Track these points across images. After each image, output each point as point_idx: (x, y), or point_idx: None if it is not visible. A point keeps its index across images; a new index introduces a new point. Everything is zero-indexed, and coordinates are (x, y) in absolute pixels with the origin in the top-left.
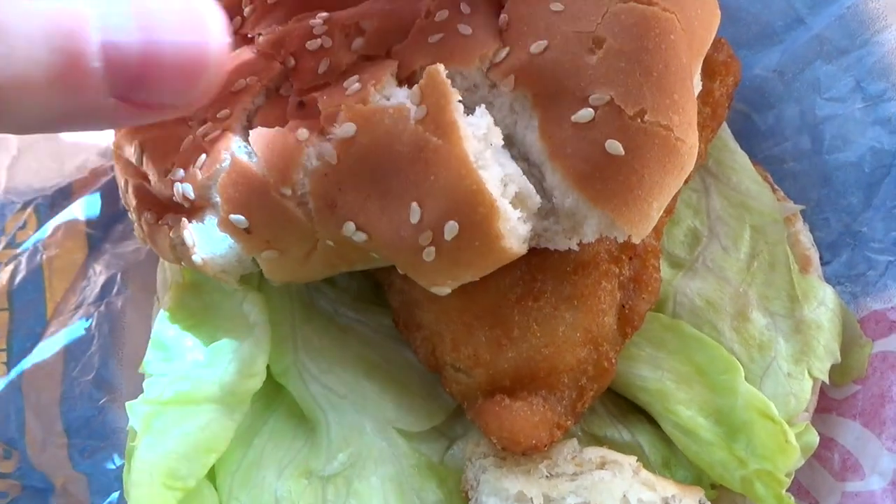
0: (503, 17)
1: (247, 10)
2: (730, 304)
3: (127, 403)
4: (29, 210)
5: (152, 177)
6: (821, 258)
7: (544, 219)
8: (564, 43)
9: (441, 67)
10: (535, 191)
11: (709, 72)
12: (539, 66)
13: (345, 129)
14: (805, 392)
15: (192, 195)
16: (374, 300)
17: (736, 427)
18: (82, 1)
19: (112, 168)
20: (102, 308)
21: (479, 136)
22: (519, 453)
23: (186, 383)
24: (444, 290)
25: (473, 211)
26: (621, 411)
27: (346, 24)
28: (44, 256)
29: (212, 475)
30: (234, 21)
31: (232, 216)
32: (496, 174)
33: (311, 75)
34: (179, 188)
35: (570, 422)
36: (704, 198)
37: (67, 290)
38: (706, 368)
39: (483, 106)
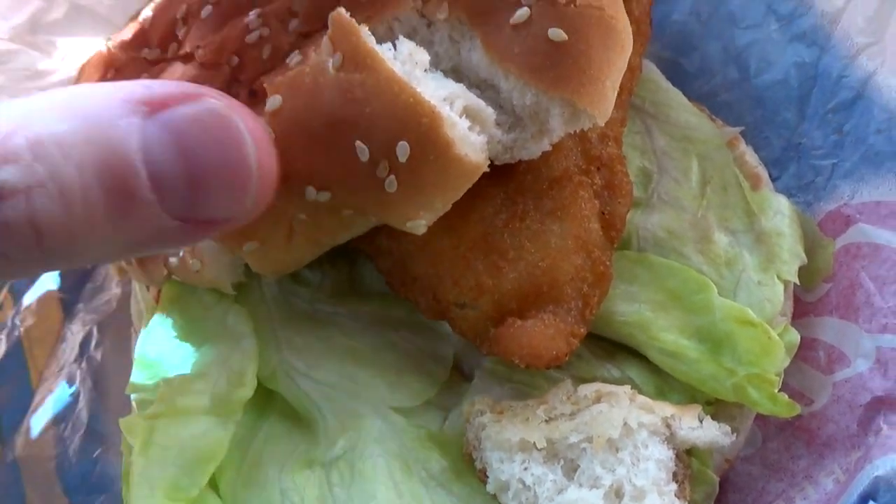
0: None
1: (181, 32)
2: (691, 230)
3: (121, 420)
4: (4, 291)
5: None
6: (770, 175)
7: (511, 131)
8: None
9: (342, 10)
10: (485, 104)
11: None
12: None
13: (272, 102)
14: (778, 295)
15: None
16: (349, 291)
17: (718, 340)
18: (120, 132)
19: None
20: (84, 364)
21: (402, 58)
22: (543, 368)
23: (177, 396)
24: (420, 225)
25: (417, 123)
26: (607, 352)
27: (278, 11)
28: (22, 329)
29: (213, 483)
30: (172, 47)
31: None
32: (432, 89)
33: (256, 64)
34: None
35: (583, 329)
36: (648, 138)
37: (48, 356)
38: (680, 292)
39: (401, 36)
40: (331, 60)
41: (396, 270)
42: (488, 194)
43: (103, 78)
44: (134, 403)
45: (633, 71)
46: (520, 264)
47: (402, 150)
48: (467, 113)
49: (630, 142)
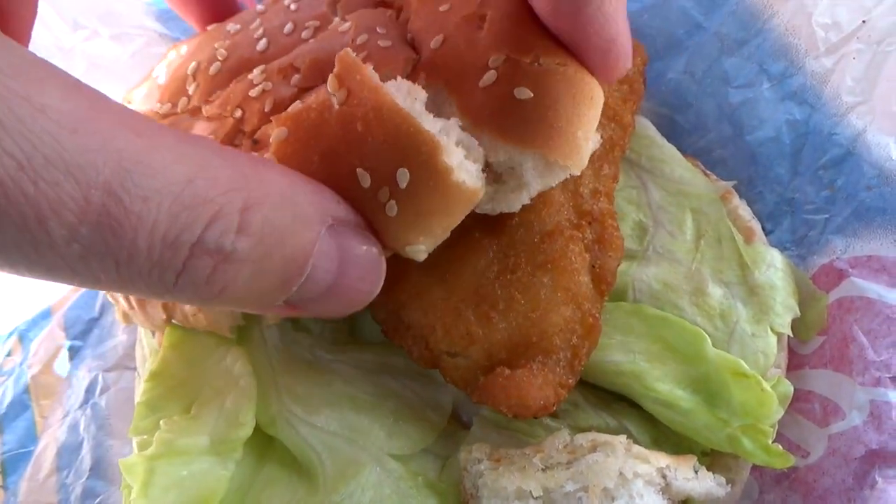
0: (408, 34)
1: (191, 89)
2: (685, 283)
3: (120, 461)
4: (13, 337)
5: None
6: (764, 229)
7: (493, 184)
8: (456, 30)
9: (349, 50)
10: (476, 142)
11: None
12: (441, 56)
13: (278, 133)
14: (771, 348)
15: None
16: (349, 340)
17: (713, 391)
18: (312, 237)
19: None
20: (88, 411)
21: (403, 94)
22: (531, 417)
23: (177, 437)
24: (420, 250)
25: (417, 151)
26: (603, 401)
27: (281, 67)
28: (28, 376)
29: None
30: (182, 101)
31: None
32: (431, 121)
33: (258, 116)
34: None
35: (571, 380)
36: (643, 192)
37: (53, 402)
38: (674, 343)
39: (399, 76)
40: (336, 96)
41: (390, 319)
42: (481, 247)
43: None
44: (135, 446)
45: (625, 128)
46: (510, 315)
47: (403, 176)
48: (460, 142)
49: (626, 196)
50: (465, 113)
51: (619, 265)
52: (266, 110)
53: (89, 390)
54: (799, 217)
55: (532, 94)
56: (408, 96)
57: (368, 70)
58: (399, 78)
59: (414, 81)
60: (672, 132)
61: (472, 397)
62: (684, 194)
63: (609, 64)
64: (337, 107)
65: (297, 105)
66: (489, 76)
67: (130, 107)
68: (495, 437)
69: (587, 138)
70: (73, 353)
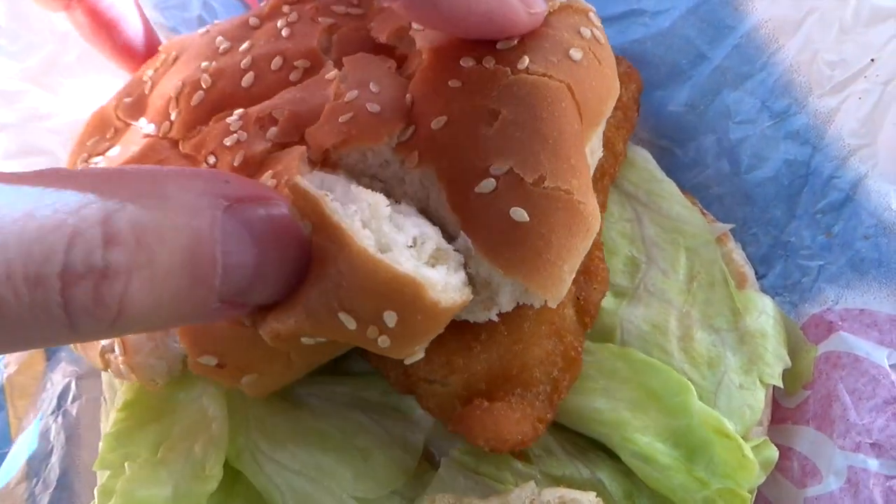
0: (408, 96)
1: (173, 115)
2: (675, 326)
3: None
4: None
5: None
6: (756, 273)
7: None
8: (462, 116)
9: (299, 179)
10: (453, 249)
11: None
12: (440, 141)
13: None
14: (759, 401)
15: None
16: (327, 370)
17: (694, 448)
18: (206, 224)
19: None
20: (59, 418)
21: (365, 220)
22: (507, 451)
23: (139, 488)
24: (417, 354)
25: (401, 295)
26: (579, 449)
27: (259, 116)
28: (4, 375)
29: None
30: (164, 126)
31: (200, 359)
32: (402, 243)
33: (228, 169)
34: None
35: (549, 415)
36: (638, 227)
37: (27, 404)
38: (659, 392)
39: (354, 183)
40: (304, 225)
41: None
42: None
43: (94, 138)
44: (98, 480)
45: (616, 156)
46: (491, 346)
47: (390, 318)
48: (435, 256)
49: (620, 229)
50: (454, 209)
51: (603, 297)
52: (235, 164)
53: (62, 396)
54: (793, 262)
55: (528, 219)
56: (372, 219)
57: (326, 203)
58: (354, 186)
59: (405, 157)
60: (671, 166)
61: (447, 426)
62: (680, 232)
63: (509, 17)
64: (307, 233)
65: (264, 179)
66: (487, 184)
67: (113, 113)
68: (462, 481)
69: (572, 271)
70: (50, 354)
